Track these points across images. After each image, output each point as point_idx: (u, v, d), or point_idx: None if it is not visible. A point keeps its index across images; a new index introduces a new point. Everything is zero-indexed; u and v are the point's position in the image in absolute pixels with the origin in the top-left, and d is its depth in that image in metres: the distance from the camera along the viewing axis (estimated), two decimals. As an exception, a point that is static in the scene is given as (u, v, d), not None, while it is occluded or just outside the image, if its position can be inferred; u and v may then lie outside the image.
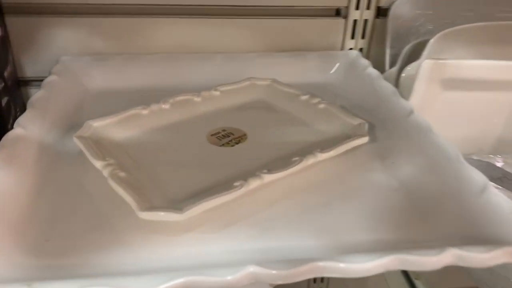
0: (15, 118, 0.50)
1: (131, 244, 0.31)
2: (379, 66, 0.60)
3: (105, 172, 0.34)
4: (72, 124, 0.45)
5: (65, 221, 0.33)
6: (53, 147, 0.41)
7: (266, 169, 0.35)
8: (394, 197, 0.37)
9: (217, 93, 0.48)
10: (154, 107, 0.44)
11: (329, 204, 0.35)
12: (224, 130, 0.43)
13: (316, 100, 0.46)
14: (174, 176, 0.36)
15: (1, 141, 0.37)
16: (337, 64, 0.58)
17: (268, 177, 0.34)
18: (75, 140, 0.38)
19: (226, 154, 0.40)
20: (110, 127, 0.41)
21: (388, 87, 0.49)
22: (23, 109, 0.52)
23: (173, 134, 0.43)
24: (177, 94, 0.46)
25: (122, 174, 0.34)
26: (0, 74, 0.47)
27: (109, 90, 0.53)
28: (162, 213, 0.30)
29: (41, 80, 0.56)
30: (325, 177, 0.38)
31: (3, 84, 0.47)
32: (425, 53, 0.51)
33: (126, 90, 0.53)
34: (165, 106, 0.45)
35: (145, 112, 0.43)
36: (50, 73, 0.50)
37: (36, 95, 0.45)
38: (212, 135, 0.42)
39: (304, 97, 0.47)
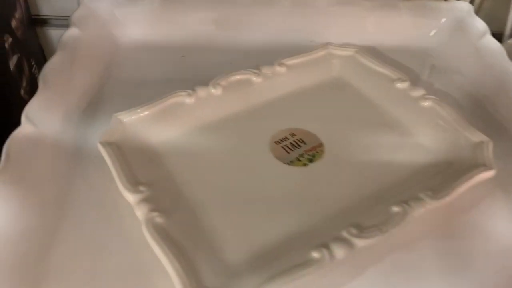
0: (31, 75, 0.41)
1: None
2: (495, 27, 0.45)
3: (140, 213, 0.26)
4: (97, 103, 0.35)
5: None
6: (72, 146, 0.31)
7: (355, 229, 0.25)
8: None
9: (283, 69, 0.36)
10: (202, 92, 0.33)
11: (426, 274, 0.26)
12: (293, 135, 0.32)
13: (419, 93, 0.34)
14: (225, 218, 0.27)
15: (4, 149, 0.27)
16: (440, 22, 0.44)
17: (360, 243, 0.25)
18: (101, 149, 0.29)
19: (296, 180, 0.29)
20: (145, 124, 0.31)
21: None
22: (40, 56, 0.42)
23: (225, 139, 0.32)
24: (230, 73, 0.35)
25: (160, 219, 0.25)
26: (7, 26, 0.37)
27: (143, 45, 0.42)
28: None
29: (60, 18, 0.45)
30: (424, 227, 0.28)
31: (10, 39, 0.36)
32: None
33: (165, 46, 0.42)
34: (216, 91, 0.34)
35: (189, 100, 0.33)
36: (70, 23, 0.39)
37: (50, 62, 0.34)
38: (277, 142, 0.32)
39: (402, 85, 0.35)
